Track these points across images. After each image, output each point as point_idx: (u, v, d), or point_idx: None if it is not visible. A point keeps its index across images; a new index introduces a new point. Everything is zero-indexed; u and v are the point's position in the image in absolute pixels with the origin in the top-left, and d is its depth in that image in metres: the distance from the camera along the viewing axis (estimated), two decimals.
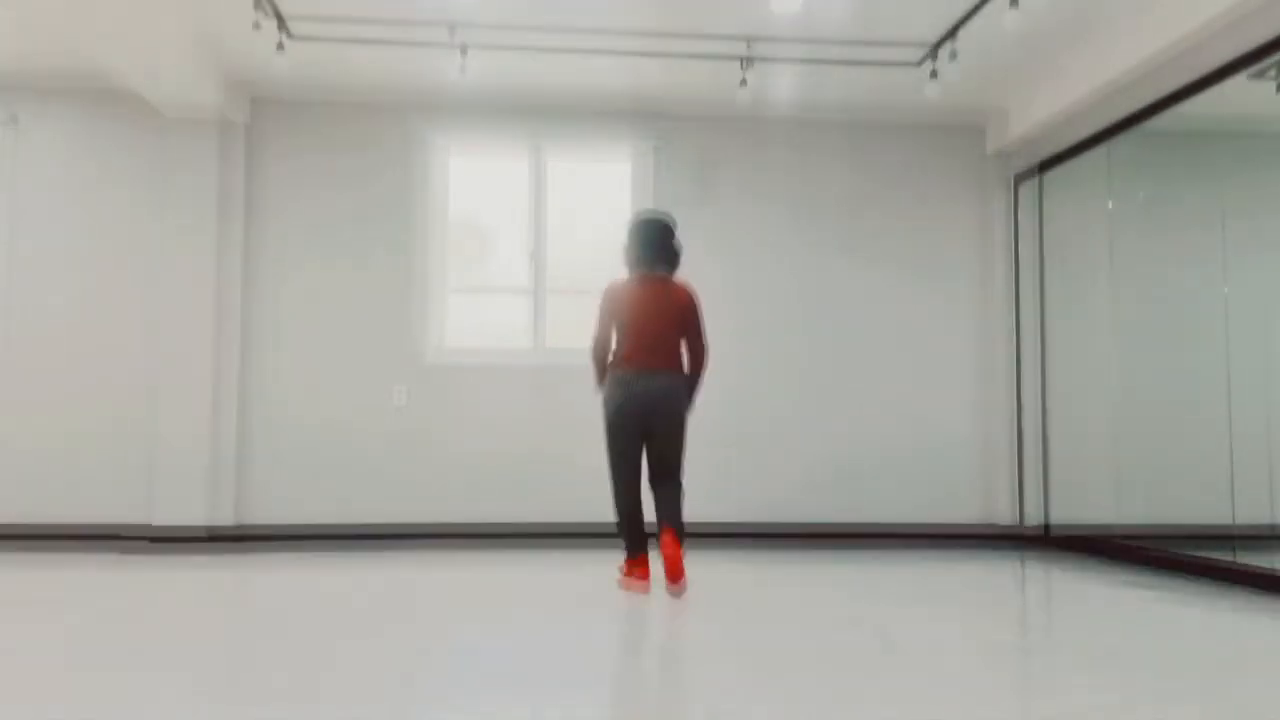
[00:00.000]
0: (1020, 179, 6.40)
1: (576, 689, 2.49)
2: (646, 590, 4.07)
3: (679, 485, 4.17)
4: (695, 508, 4.52)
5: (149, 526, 5.87)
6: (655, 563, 4.17)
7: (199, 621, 3.38)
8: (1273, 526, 4.26)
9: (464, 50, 5.36)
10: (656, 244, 4.26)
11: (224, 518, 5.87)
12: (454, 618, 3.48)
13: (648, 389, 4.07)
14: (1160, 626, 3.37)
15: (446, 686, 2.51)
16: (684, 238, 4.41)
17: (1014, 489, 6.33)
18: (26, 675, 2.58)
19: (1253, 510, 4.34)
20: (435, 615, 3.53)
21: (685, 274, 4.37)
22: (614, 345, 4.20)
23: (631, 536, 4.21)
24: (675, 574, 3.86)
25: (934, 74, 5.45)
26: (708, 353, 4.26)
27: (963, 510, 6.38)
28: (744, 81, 5.53)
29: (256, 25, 4.78)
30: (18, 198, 6.02)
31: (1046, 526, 6.03)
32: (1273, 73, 4.27)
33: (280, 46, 5.16)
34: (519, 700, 2.38)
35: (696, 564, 4.97)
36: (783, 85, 5.91)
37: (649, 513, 4.19)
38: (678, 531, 4.04)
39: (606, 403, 4.15)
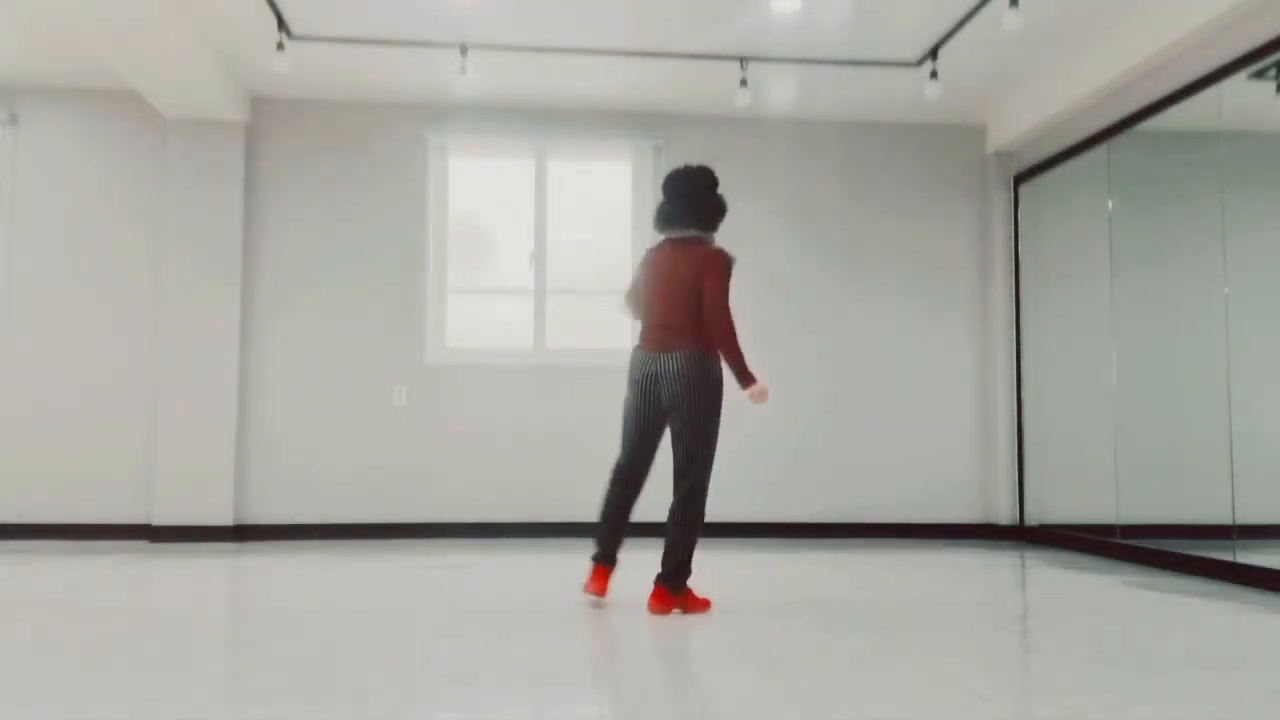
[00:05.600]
0: (1020, 179, 6.40)
1: (577, 688, 2.49)
2: (598, 598, 3.61)
3: (690, 501, 3.52)
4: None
5: (148, 526, 5.88)
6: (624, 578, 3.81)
7: (197, 620, 3.38)
8: (1273, 525, 4.27)
9: (464, 50, 5.36)
10: (677, 195, 3.67)
11: (223, 516, 5.87)
12: (453, 617, 3.47)
13: (653, 372, 3.57)
14: (1160, 625, 3.37)
15: (446, 685, 2.51)
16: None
17: (1014, 487, 6.33)
18: (26, 676, 2.57)
19: (1253, 508, 4.34)
20: (434, 614, 3.53)
21: None
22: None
23: (598, 534, 3.65)
24: (655, 610, 3.53)
25: (934, 74, 5.45)
26: (723, 319, 3.51)
27: (962, 508, 6.39)
28: (744, 81, 5.54)
29: (280, 45, 4.78)
30: (18, 197, 6.03)
31: (1046, 525, 6.03)
32: (1273, 73, 4.27)
33: (280, 46, 5.16)
34: (519, 699, 2.38)
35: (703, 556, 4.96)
36: (782, 85, 5.92)
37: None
38: (668, 585, 3.51)
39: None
